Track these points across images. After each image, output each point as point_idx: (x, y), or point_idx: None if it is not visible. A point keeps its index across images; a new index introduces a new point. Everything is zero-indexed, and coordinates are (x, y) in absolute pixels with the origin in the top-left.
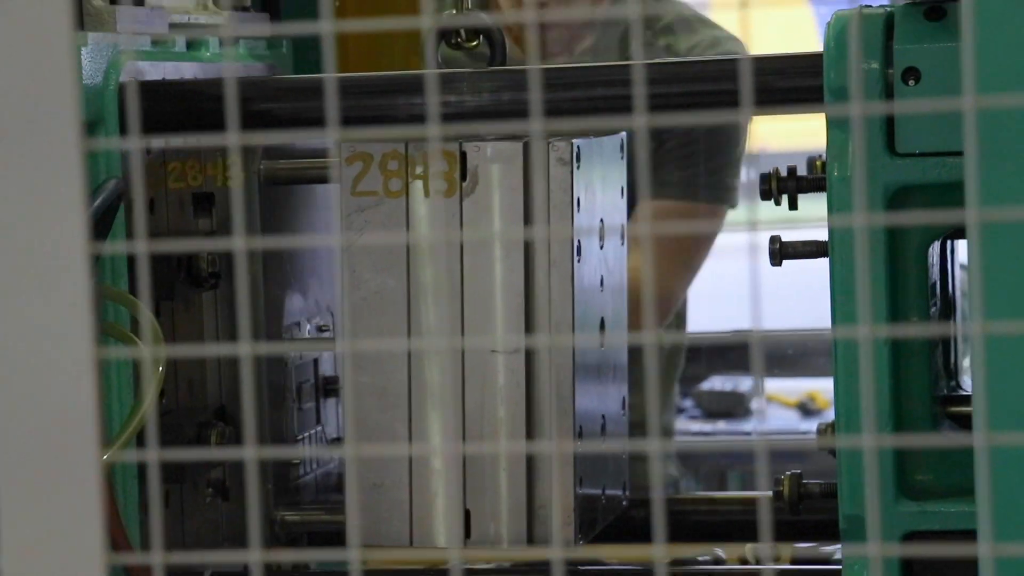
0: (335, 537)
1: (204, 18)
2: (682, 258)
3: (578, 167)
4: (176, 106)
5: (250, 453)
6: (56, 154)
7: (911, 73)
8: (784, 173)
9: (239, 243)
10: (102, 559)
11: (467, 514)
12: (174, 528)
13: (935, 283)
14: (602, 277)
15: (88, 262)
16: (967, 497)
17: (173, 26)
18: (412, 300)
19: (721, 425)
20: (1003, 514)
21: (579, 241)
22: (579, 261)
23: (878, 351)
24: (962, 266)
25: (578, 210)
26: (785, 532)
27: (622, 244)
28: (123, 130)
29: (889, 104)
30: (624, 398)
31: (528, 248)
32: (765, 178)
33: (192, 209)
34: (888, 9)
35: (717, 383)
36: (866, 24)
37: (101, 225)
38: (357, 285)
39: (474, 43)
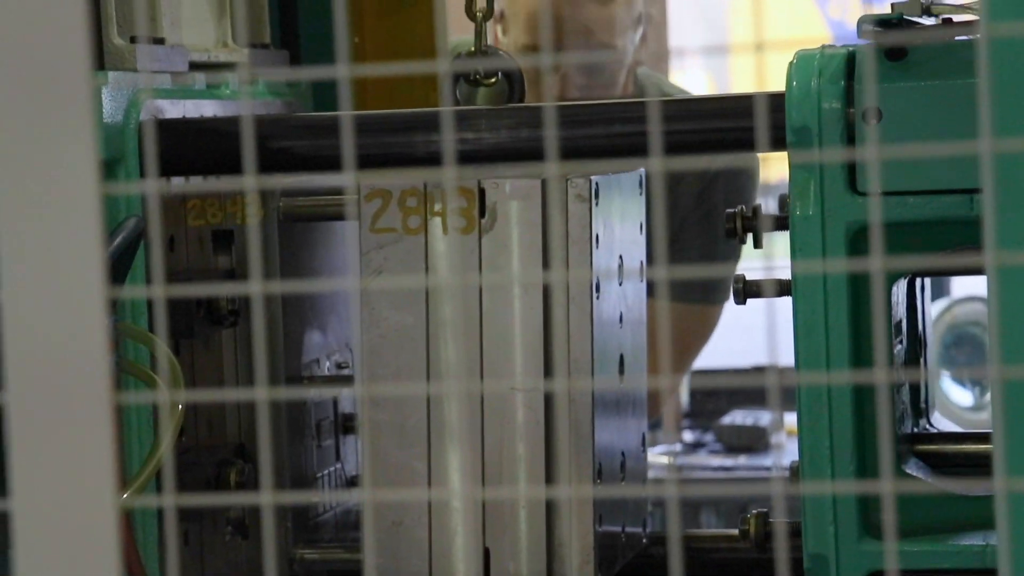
0: (355, 575)
1: (224, 56)
2: (677, 360)
3: (597, 203)
4: (196, 144)
5: (266, 498)
6: (74, 191)
7: (872, 113)
8: (749, 212)
9: (255, 287)
10: None
11: (486, 553)
12: (194, 567)
13: (900, 321)
14: (621, 313)
15: (105, 302)
16: (931, 536)
17: (193, 64)
18: (431, 338)
19: (742, 460)
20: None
21: (598, 277)
22: (598, 298)
23: (840, 391)
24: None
25: (597, 247)
26: (754, 570)
27: (641, 280)
28: (143, 168)
29: (851, 149)
30: (644, 434)
31: (547, 285)
32: (730, 217)
33: (212, 246)
34: (850, 49)
35: (738, 417)
36: (827, 64)
37: (121, 263)
38: (376, 323)
39: (493, 80)
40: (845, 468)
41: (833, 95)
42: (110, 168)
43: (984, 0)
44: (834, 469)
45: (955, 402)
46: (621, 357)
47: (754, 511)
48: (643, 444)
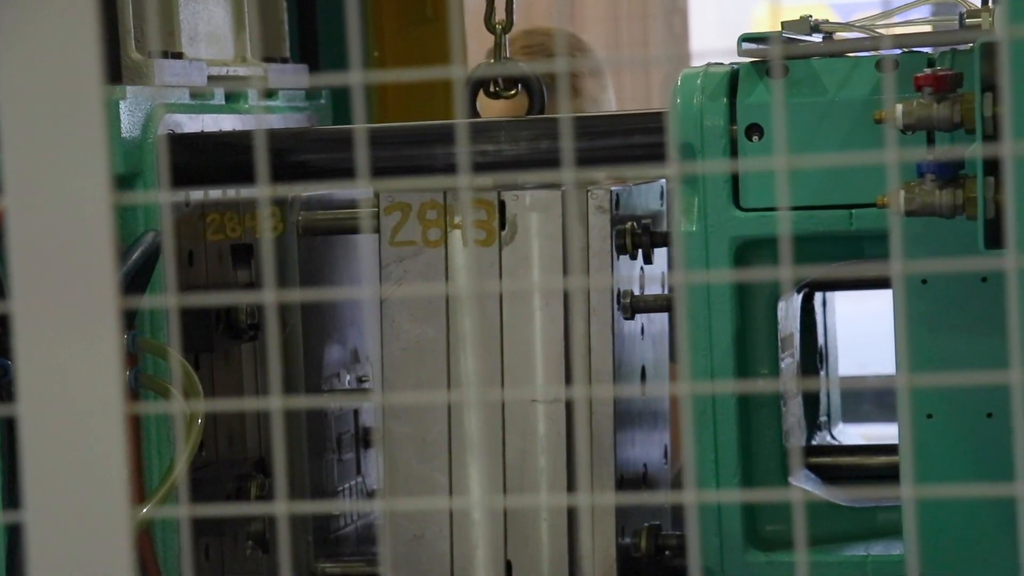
0: None
1: (243, 70)
2: None
3: (617, 215)
4: (214, 158)
5: (281, 508)
6: (87, 209)
7: (754, 129)
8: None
9: (269, 295)
10: None
11: (508, 565)
12: None
13: (791, 335)
14: (643, 325)
15: (119, 318)
16: (815, 547)
17: (212, 78)
18: (451, 350)
19: None
20: None
21: (619, 289)
22: (619, 309)
23: (724, 405)
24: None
25: (617, 258)
26: None
27: (663, 291)
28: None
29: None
30: (666, 446)
31: (568, 297)
32: (620, 233)
33: (231, 260)
34: (733, 67)
35: None
36: (710, 82)
37: (140, 277)
38: (396, 335)
39: (512, 92)
40: (730, 480)
41: (716, 112)
42: (128, 182)
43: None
44: (719, 481)
45: None
46: (643, 369)
47: (646, 524)
48: (665, 456)
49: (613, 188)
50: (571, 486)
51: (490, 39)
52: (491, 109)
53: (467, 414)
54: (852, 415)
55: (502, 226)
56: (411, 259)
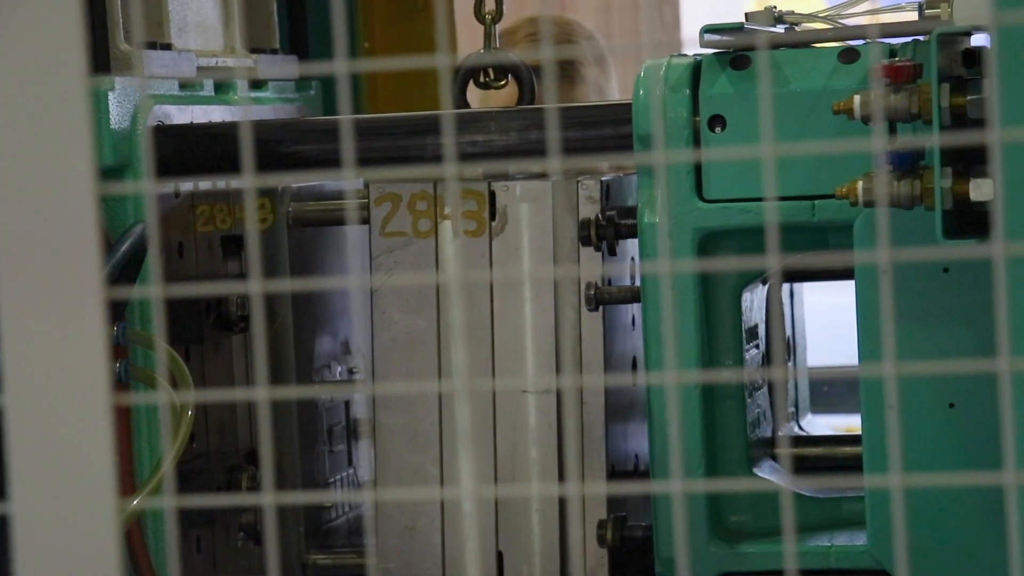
0: None
1: (232, 61)
2: None
3: (607, 205)
4: (203, 149)
5: (268, 499)
6: (72, 201)
7: (717, 121)
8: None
9: (255, 286)
10: None
11: (500, 556)
12: (206, 573)
13: (756, 326)
14: (633, 316)
15: (104, 308)
16: (779, 537)
17: (201, 69)
18: (442, 341)
19: None
20: None
21: (609, 280)
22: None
23: (688, 396)
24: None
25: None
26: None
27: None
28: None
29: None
30: None
31: (558, 287)
32: (584, 224)
33: (221, 252)
34: (696, 58)
35: None
36: (673, 73)
37: (129, 269)
38: (387, 326)
39: (503, 83)
40: (694, 471)
41: (678, 104)
42: (118, 173)
43: None
44: (682, 473)
45: None
46: (634, 360)
47: (612, 515)
48: None
49: (603, 178)
50: (562, 477)
51: (481, 32)
52: (493, 102)
53: (458, 406)
54: (825, 406)
55: (492, 217)
56: (401, 250)
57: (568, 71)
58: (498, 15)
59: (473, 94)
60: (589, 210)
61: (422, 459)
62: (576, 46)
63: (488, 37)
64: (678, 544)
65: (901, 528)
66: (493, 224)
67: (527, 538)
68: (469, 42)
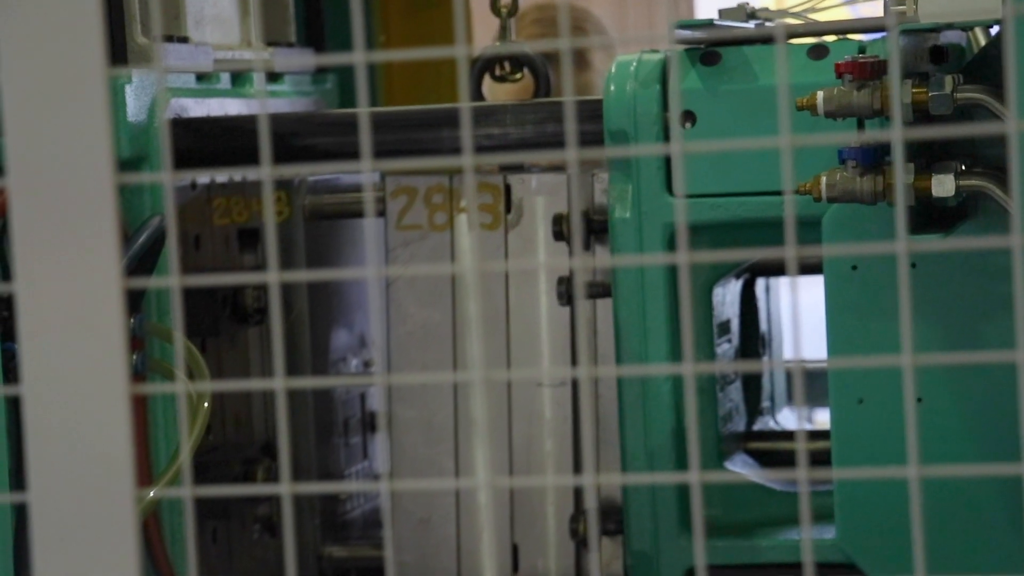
0: (382, 572)
1: (249, 54)
2: None
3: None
4: (220, 142)
5: (285, 489)
6: (90, 191)
7: (687, 116)
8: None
9: (272, 276)
10: None
11: (515, 548)
12: (222, 564)
13: (729, 321)
14: None
15: (122, 300)
16: (750, 532)
17: (217, 62)
18: (457, 334)
19: None
20: None
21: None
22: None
23: (659, 390)
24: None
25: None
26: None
27: None
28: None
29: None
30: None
31: (573, 280)
32: (557, 220)
33: (238, 245)
34: (666, 54)
35: None
36: (643, 69)
37: (146, 261)
38: (403, 319)
39: (519, 76)
40: (664, 465)
41: (649, 99)
42: (135, 166)
43: None
44: (653, 467)
45: None
46: None
47: (585, 510)
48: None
49: None
50: (577, 470)
51: (496, 26)
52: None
53: (473, 398)
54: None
55: (507, 210)
56: (417, 243)
57: (575, 57)
58: (513, 8)
59: (485, 88)
60: (604, 202)
61: (437, 451)
62: (584, 32)
63: (504, 30)
64: (696, 537)
65: (918, 521)
66: (509, 217)
67: (542, 530)
68: (485, 37)
